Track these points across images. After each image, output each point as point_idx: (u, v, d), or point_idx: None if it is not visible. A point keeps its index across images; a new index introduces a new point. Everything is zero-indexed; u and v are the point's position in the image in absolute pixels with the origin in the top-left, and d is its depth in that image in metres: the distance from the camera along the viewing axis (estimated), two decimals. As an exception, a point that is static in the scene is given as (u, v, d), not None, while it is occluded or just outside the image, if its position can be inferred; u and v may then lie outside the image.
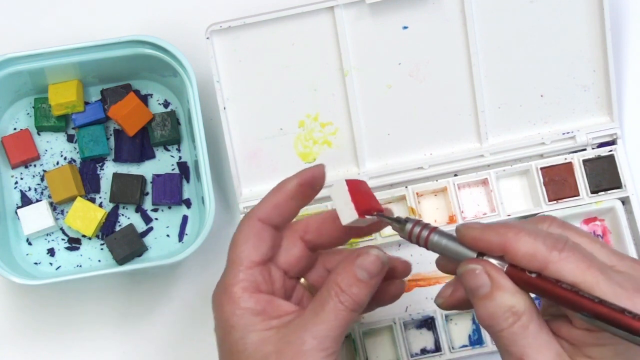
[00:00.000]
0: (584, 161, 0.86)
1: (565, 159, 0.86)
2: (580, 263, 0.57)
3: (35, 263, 0.84)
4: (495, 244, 0.59)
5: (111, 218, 0.85)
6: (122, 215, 0.85)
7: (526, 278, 0.58)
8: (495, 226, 0.60)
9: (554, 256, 0.58)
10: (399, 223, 0.63)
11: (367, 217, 0.64)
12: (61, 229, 0.85)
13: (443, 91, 0.84)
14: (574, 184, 0.85)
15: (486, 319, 0.58)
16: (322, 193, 0.85)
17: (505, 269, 0.59)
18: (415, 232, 0.62)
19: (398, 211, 0.86)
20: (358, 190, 0.64)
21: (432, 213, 0.86)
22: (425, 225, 0.62)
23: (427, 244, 0.62)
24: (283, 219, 0.66)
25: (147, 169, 0.86)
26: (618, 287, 0.57)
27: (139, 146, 0.85)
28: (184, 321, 0.85)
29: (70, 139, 0.86)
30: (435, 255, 0.86)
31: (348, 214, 0.63)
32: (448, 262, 0.64)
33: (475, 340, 0.83)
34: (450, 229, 0.84)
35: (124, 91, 0.86)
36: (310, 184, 0.66)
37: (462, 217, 0.85)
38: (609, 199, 0.85)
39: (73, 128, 0.86)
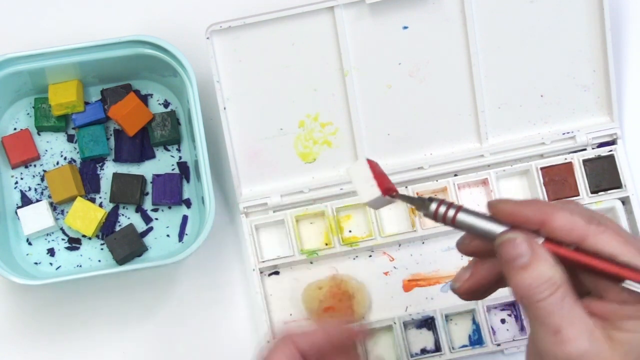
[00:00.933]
0: (584, 161, 0.86)
1: (565, 159, 0.86)
2: (617, 237, 0.58)
3: (35, 263, 0.84)
4: (533, 217, 0.59)
5: (111, 218, 0.85)
6: (122, 215, 0.85)
7: (563, 251, 0.58)
8: (529, 200, 0.60)
9: (592, 229, 0.58)
10: (422, 202, 0.62)
11: (387, 197, 0.63)
12: (61, 229, 0.85)
13: (443, 91, 0.84)
14: (574, 184, 0.85)
15: (524, 289, 0.58)
16: (321, 194, 0.85)
17: (541, 243, 0.59)
18: (440, 211, 0.62)
19: (398, 211, 0.86)
20: (376, 170, 0.64)
21: (432, 213, 0.86)
22: (451, 204, 0.61)
23: (454, 222, 0.61)
24: (314, 354, 0.65)
25: (147, 169, 0.86)
26: None
27: (139, 146, 0.85)
28: (184, 321, 0.85)
29: (70, 139, 0.86)
30: (434, 257, 0.86)
31: (370, 192, 0.63)
32: (472, 241, 0.62)
33: (475, 340, 0.83)
34: (451, 229, 0.84)
35: (124, 91, 0.86)
36: (354, 341, 0.66)
37: (462, 217, 0.84)
38: (609, 199, 0.85)
39: (73, 128, 0.86)
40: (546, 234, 0.59)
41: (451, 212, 0.61)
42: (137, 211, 0.85)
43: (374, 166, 0.64)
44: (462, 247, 0.63)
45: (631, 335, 0.58)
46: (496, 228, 0.60)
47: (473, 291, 0.63)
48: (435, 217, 0.62)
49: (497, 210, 0.60)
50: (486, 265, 0.62)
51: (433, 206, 0.61)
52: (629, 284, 0.57)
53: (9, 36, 0.88)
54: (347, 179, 0.84)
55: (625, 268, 0.57)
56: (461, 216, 0.61)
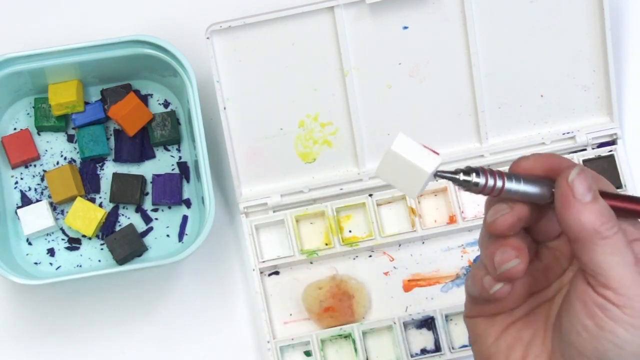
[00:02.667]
0: (584, 161, 0.85)
1: (565, 159, 0.86)
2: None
3: (35, 263, 0.84)
4: (568, 166, 0.59)
5: (111, 218, 0.85)
6: (122, 215, 0.85)
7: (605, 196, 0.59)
8: (550, 153, 0.60)
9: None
10: (465, 175, 0.58)
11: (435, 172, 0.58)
12: (61, 229, 0.85)
13: (443, 91, 0.84)
14: (574, 184, 0.85)
15: (595, 223, 0.57)
16: (321, 194, 0.85)
17: None
18: (489, 185, 0.57)
19: (398, 211, 0.86)
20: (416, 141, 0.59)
21: (432, 213, 0.86)
22: (493, 174, 0.58)
23: (502, 192, 0.58)
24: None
25: (147, 169, 0.86)
26: None
27: (139, 146, 0.85)
28: (184, 321, 0.85)
29: (70, 139, 0.86)
30: (434, 257, 0.85)
31: (430, 160, 0.58)
32: (513, 208, 0.59)
33: (475, 340, 0.83)
34: (451, 229, 0.84)
35: (124, 91, 0.86)
36: None
37: (462, 217, 0.85)
38: (609, 199, 0.85)
39: (73, 128, 0.86)
40: None
41: (499, 185, 0.57)
42: (137, 211, 0.85)
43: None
44: (502, 219, 0.59)
45: None
46: (540, 188, 0.58)
47: (514, 225, 0.59)
48: (483, 190, 0.58)
49: (537, 162, 0.59)
50: (525, 208, 0.60)
51: (481, 182, 0.58)
52: None
53: (9, 36, 0.88)
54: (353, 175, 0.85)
55: None
56: (508, 184, 0.58)
